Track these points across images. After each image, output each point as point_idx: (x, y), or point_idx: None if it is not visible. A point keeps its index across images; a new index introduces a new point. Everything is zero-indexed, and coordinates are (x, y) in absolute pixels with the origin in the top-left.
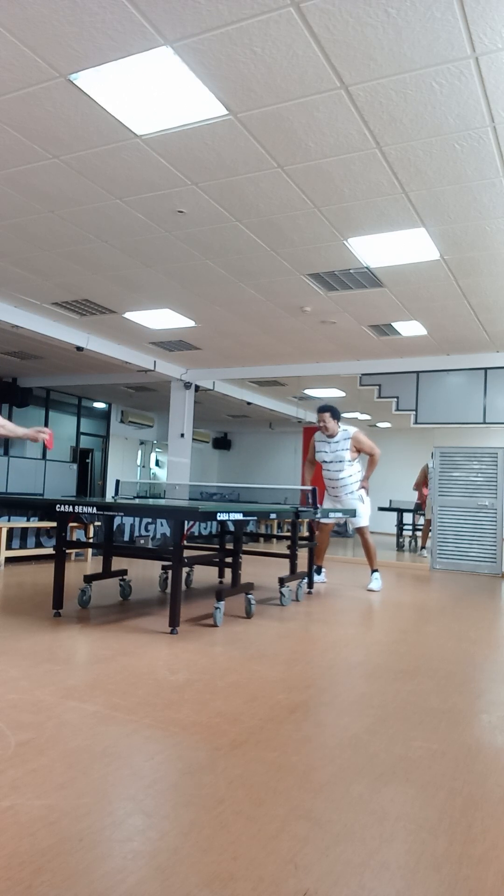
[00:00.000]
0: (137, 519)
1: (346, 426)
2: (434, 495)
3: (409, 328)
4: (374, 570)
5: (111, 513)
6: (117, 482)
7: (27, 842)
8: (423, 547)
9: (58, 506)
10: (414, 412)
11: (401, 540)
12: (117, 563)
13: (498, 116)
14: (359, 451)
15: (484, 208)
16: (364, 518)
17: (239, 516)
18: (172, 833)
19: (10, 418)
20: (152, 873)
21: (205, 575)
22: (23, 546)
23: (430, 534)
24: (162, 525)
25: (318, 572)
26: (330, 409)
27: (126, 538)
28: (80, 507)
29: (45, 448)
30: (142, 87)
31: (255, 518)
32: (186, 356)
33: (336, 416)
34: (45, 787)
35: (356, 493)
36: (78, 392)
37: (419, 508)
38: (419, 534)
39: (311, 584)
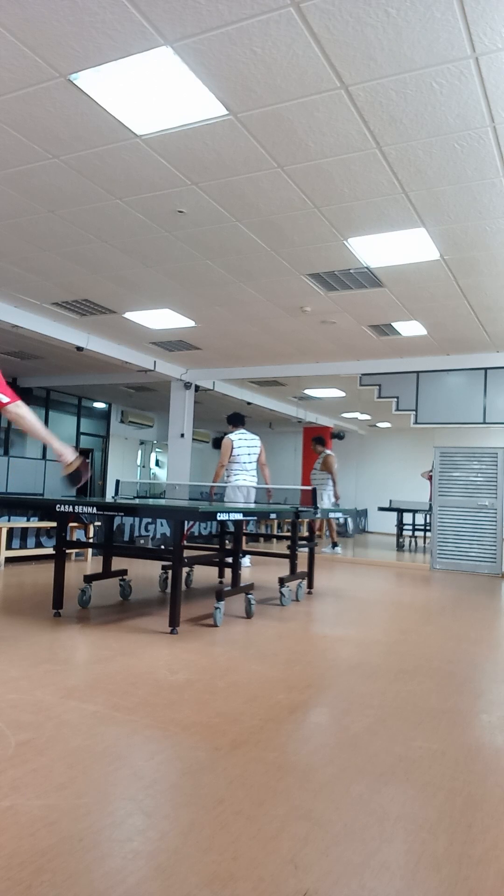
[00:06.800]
0: (137, 519)
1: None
2: (435, 494)
3: (409, 328)
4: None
5: (111, 513)
6: (117, 482)
7: (27, 842)
8: (333, 544)
9: (58, 506)
10: (414, 412)
11: (401, 540)
12: (117, 563)
13: (498, 116)
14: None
15: (484, 208)
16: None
17: (239, 516)
18: (172, 833)
19: None
20: (152, 873)
21: (205, 575)
22: (23, 546)
23: (330, 528)
24: (162, 525)
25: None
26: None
27: (126, 538)
28: (80, 507)
29: (45, 447)
30: (142, 87)
31: (255, 518)
32: (186, 356)
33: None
34: (45, 787)
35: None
36: (78, 392)
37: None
38: (418, 534)
39: (310, 584)
